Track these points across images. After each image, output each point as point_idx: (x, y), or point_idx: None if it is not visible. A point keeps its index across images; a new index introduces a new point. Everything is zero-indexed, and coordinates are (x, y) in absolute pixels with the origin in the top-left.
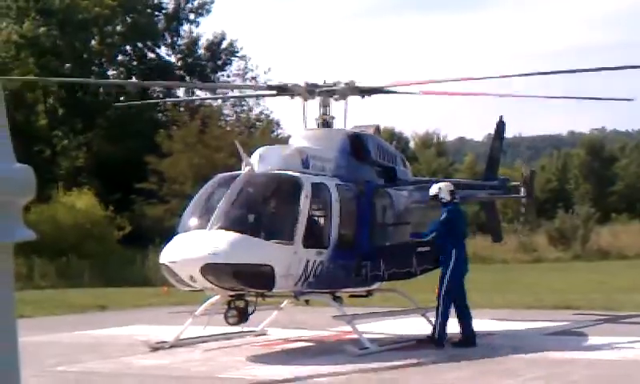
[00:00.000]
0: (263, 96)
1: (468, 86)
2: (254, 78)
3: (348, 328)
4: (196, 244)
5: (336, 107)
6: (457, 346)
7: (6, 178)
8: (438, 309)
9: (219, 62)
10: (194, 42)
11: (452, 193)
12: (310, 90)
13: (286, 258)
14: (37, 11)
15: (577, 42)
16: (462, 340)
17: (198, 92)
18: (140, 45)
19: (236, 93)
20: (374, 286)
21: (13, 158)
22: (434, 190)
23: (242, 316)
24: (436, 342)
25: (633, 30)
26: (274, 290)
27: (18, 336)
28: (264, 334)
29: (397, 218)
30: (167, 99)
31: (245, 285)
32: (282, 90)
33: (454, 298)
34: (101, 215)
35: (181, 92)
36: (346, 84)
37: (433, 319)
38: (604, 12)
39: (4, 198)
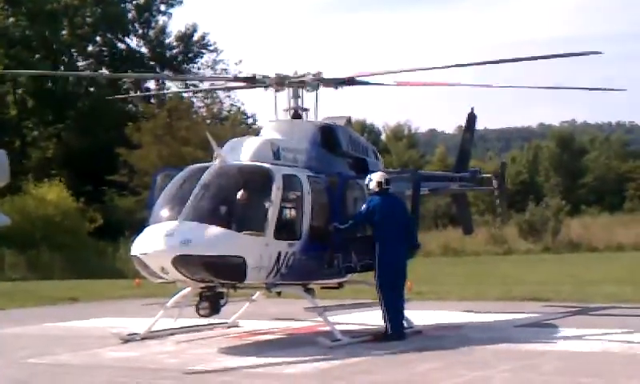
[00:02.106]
0: (233, 88)
1: (443, 77)
2: (224, 70)
3: (320, 320)
4: (167, 235)
5: (307, 99)
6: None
7: None
8: (380, 303)
9: (190, 55)
10: (161, 30)
11: (380, 184)
12: (281, 82)
13: (257, 250)
14: (5, 1)
15: (554, 33)
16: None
17: (168, 83)
18: (110, 35)
19: (207, 84)
20: (346, 278)
21: None
22: (366, 180)
23: (214, 308)
24: (391, 337)
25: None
26: (245, 282)
27: None
28: (236, 326)
29: None
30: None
31: (216, 276)
32: (253, 81)
33: (392, 288)
34: (72, 207)
35: (151, 84)
36: (314, 75)
37: (405, 312)
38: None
39: None
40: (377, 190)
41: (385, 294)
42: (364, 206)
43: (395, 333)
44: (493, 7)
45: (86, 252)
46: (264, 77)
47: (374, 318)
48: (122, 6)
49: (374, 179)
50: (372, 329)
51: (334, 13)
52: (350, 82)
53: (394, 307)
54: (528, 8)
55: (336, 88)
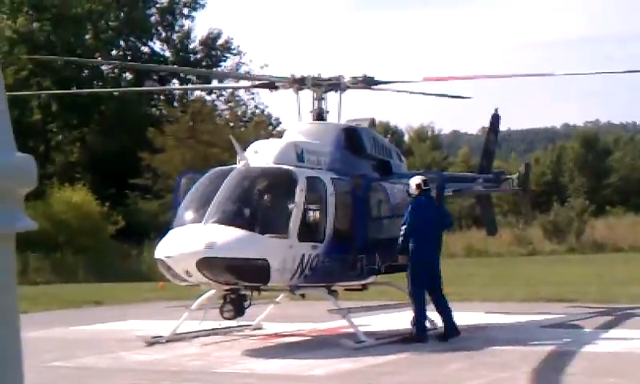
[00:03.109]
0: (254, 87)
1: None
2: (247, 72)
3: (344, 322)
4: (191, 238)
5: (331, 101)
6: (441, 340)
7: (7, 165)
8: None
9: (214, 59)
10: (186, 34)
11: (419, 186)
12: (302, 83)
13: (281, 252)
14: (30, 6)
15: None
16: (444, 333)
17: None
18: (133, 39)
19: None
20: (370, 280)
21: (14, 146)
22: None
23: (238, 310)
24: (415, 338)
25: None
26: (269, 284)
27: (20, 330)
28: (260, 328)
29: (392, 212)
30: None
31: (240, 279)
32: (273, 84)
33: (427, 290)
34: (96, 210)
35: (175, 87)
36: (337, 77)
37: (429, 313)
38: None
39: (5, 187)
40: (417, 192)
41: (417, 295)
42: (409, 208)
43: (419, 336)
44: (505, 6)
45: (110, 255)
46: (284, 79)
47: (398, 320)
48: (146, 10)
49: (412, 183)
50: (398, 330)
51: (362, 11)
52: (375, 82)
53: (423, 309)
54: (544, 7)
55: (370, 87)
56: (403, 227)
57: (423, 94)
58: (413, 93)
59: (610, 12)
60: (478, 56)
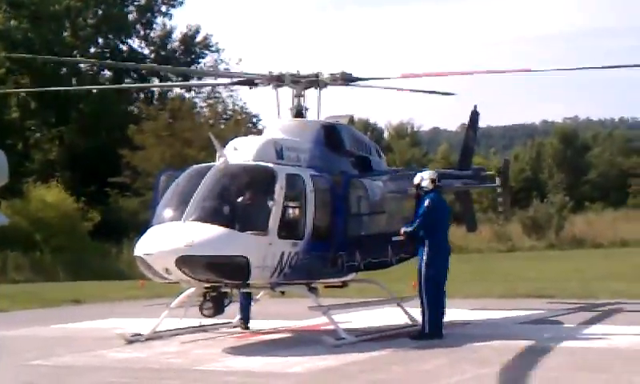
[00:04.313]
0: (232, 85)
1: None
2: (226, 69)
3: (324, 319)
4: (171, 236)
5: (309, 98)
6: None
7: None
8: (422, 302)
9: (193, 56)
10: (167, 34)
11: (433, 181)
12: (281, 80)
13: (261, 250)
14: (7, 4)
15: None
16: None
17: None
18: (112, 37)
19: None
20: (350, 277)
21: None
22: (417, 178)
23: (218, 308)
24: (429, 336)
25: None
26: (249, 282)
27: None
28: (240, 326)
29: (372, 208)
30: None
31: (220, 277)
32: (251, 80)
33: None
34: (72, 208)
35: (154, 84)
36: (315, 74)
37: (410, 309)
38: None
39: None
40: (431, 187)
41: (431, 291)
42: (425, 203)
43: (433, 331)
44: (494, 2)
45: (89, 253)
46: (263, 76)
47: (378, 316)
48: (124, 7)
49: (426, 178)
50: (377, 326)
51: (339, 9)
52: (353, 79)
53: (436, 305)
54: (530, 2)
55: (349, 84)
56: (418, 220)
57: (416, 90)
58: (401, 90)
59: (606, 5)
60: (473, 51)
